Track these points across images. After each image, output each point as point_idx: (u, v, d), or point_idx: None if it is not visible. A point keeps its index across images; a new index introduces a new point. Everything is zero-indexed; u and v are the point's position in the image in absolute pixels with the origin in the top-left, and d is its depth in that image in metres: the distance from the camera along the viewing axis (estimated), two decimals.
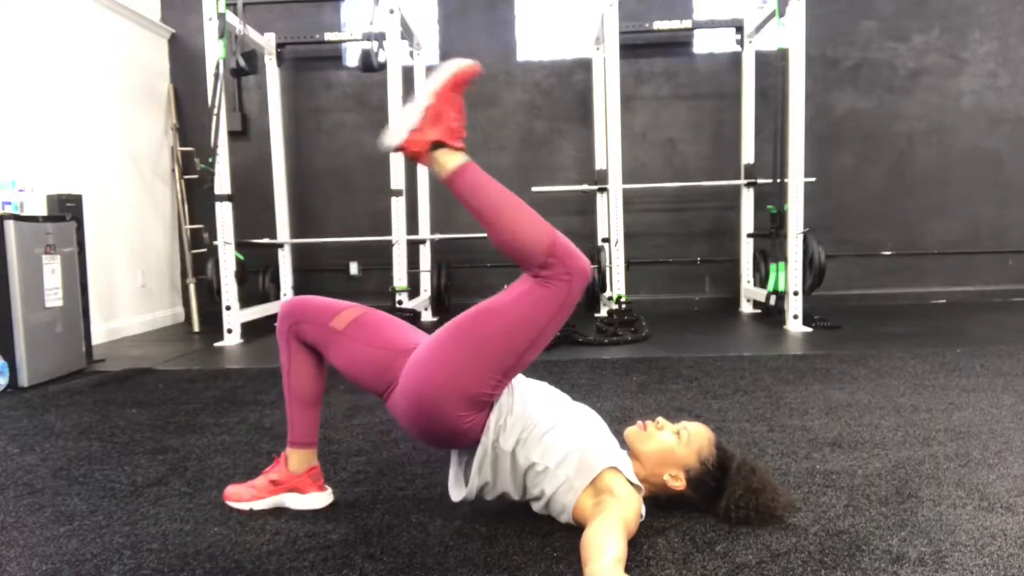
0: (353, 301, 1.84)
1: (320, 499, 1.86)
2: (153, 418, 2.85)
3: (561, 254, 1.60)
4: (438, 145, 1.67)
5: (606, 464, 1.60)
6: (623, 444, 1.75)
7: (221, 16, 4.63)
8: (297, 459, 1.85)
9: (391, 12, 4.84)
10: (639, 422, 1.76)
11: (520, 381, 1.77)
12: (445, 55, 6.21)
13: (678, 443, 1.69)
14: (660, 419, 1.75)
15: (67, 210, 3.93)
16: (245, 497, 1.86)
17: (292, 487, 1.85)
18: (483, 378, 1.59)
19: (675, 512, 1.73)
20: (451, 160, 1.70)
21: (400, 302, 4.94)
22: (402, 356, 1.67)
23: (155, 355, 4.42)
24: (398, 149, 1.67)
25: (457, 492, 1.73)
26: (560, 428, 1.64)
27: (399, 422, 1.70)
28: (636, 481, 1.62)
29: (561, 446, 1.62)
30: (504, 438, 1.63)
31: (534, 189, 6.00)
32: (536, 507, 1.69)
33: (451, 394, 1.58)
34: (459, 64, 1.67)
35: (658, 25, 5.69)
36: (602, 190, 5.75)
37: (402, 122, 1.66)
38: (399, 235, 5.00)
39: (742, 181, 5.82)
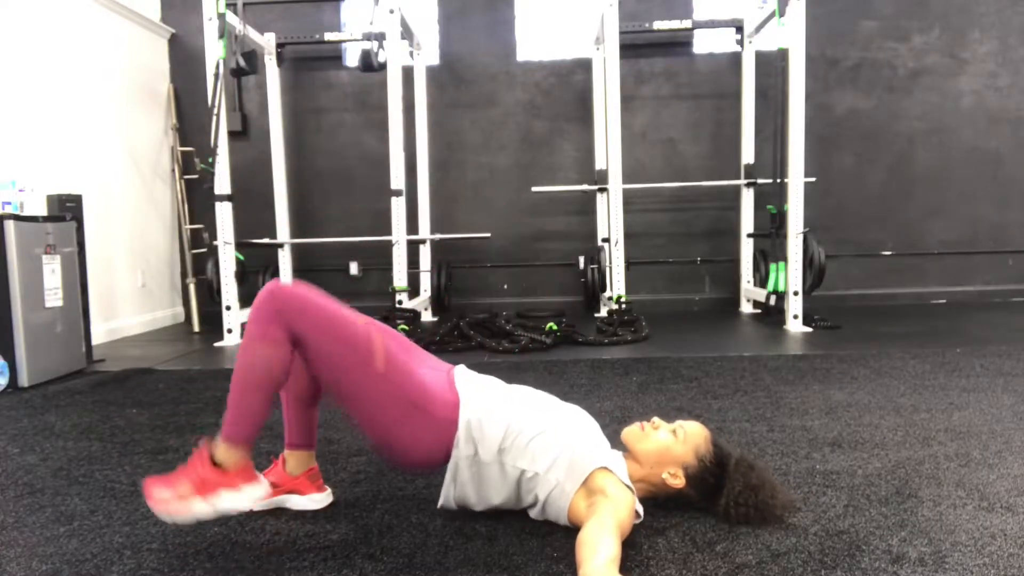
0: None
1: (320, 499, 1.86)
2: (153, 418, 2.85)
3: (272, 312, 1.58)
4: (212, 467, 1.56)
5: (596, 465, 1.60)
6: (618, 445, 1.76)
7: (221, 16, 4.63)
8: (295, 461, 1.84)
9: (391, 12, 4.84)
10: (636, 422, 1.77)
11: (495, 387, 1.77)
12: (445, 55, 6.21)
13: (675, 441, 1.70)
14: (656, 419, 1.76)
15: (67, 210, 3.93)
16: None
17: (291, 488, 1.84)
18: (402, 415, 1.62)
19: (675, 512, 1.73)
20: (227, 455, 1.57)
21: (400, 302, 4.94)
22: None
23: (155, 355, 4.42)
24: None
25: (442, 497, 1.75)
26: (547, 433, 1.64)
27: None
28: (628, 482, 1.62)
29: (549, 450, 1.62)
30: (483, 449, 1.64)
31: (534, 189, 6.01)
32: (533, 513, 1.69)
33: (393, 438, 1.64)
34: None
35: (658, 25, 5.69)
36: (602, 190, 5.75)
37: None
38: (399, 235, 5.00)
39: (742, 181, 5.82)
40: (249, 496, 1.59)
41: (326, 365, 1.63)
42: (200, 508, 1.54)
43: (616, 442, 1.76)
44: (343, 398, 1.66)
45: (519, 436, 1.63)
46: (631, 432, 1.74)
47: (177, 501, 1.54)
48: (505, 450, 1.63)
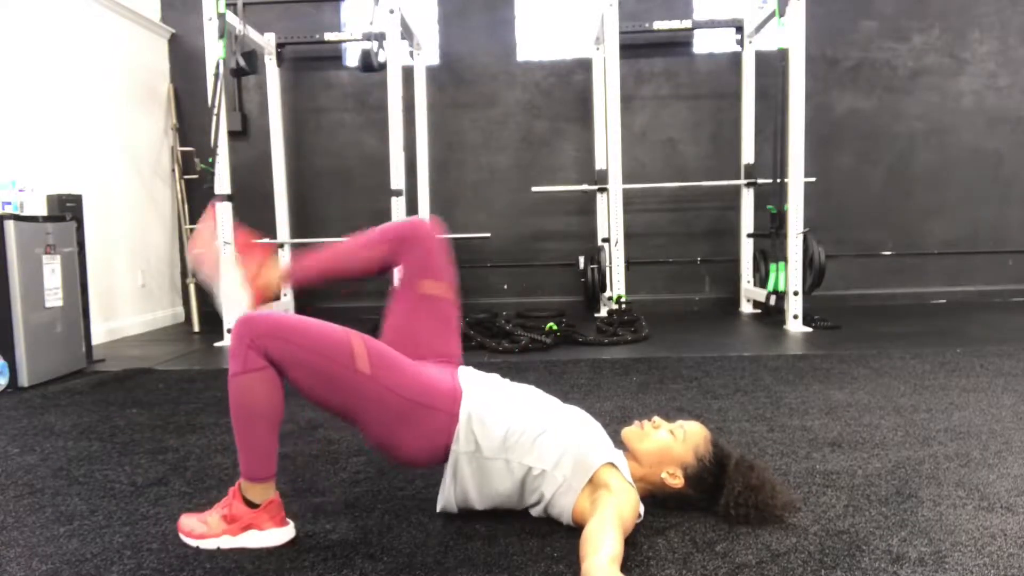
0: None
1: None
2: (153, 418, 2.85)
3: (247, 347, 1.58)
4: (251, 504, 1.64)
5: (603, 460, 1.60)
6: (620, 444, 1.76)
7: (221, 16, 4.63)
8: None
9: (391, 12, 4.84)
10: (636, 422, 1.77)
11: (497, 384, 1.77)
12: (445, 55, 6.21)
13: (675, 441, 1.70)
14: (656, 418, 1.76)
15: (67, 210, 3.93)
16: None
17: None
18: (398, 412, 1.62)
19: (675, 512, 1.73)
20: (254, 492, 1.64)
21: None
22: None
23: (155, 355, 4.42)
24: None
25: (440, 501, 1.74)
26: (552, 431, 1.64)
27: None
28: (631, 480, 1.62)
29: (555, 447, 1.62)
30: (486, 445, 1.63)
31: (534, 189, 6.01)
32: (535, 512, 1.69)
33: (393, 437, 1.63)
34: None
35: (658, 25, 5.69)
36: (602, 190, 5.75)
37: None
38: None
39: (742, 181, 5.82)
40: (273, 538, 1.64)
41: (314, 381, 1.59)
42: (226, 544, 1.63)
43: (617, 442, 1.76)
44: (342, 411, 1.65)
45: (524, 433, 1.63)
46: (631, 431, 1.74)
47: (207, 538, 1.64)
48: (510, 447, 1.63)
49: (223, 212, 4.76)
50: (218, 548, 1.62)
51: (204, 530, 1.65)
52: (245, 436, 1.61)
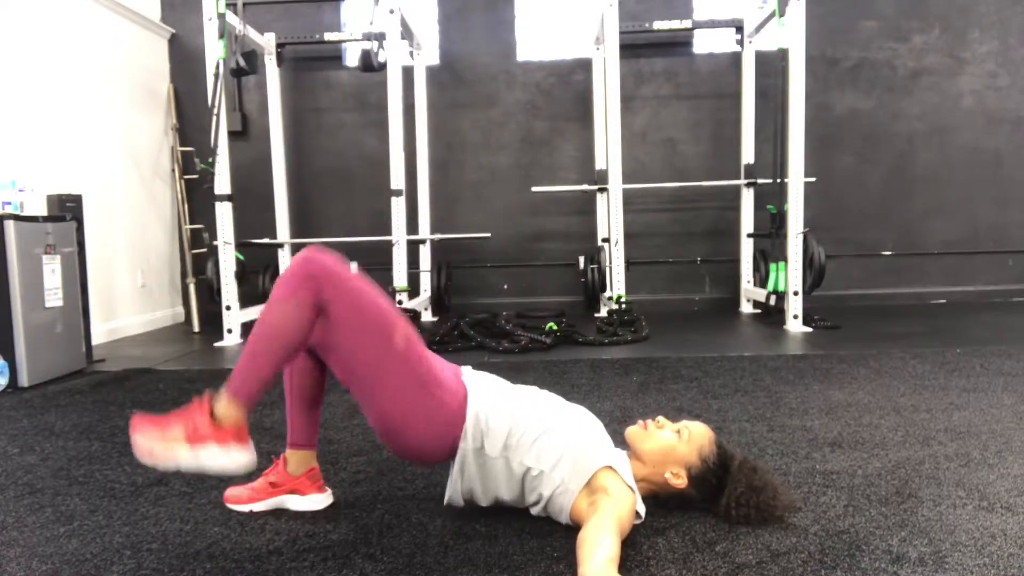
0: None
1: (320, 500, 1.86)
2: None
3: (304, 277, 1.59)
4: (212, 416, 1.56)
5: (601, 464, 1.60)
6: (622, 444, 1.75)
7: (221, 16, 4.63)
8: (296, 461, 1.84)
9: (391, 12, 4.84)
10: (640, 421, 1.76)
11: (499, 386, 1.78)
12: (445, 55, 6.21)
13: (679, 441, 1.69)
14: (661, 418, 1.76)
15: (67, 210, 3.93)
16: (244, 499, 1.85)
17: (291, 489, 1.84)
18: (415, 397, 1.62)
19: (675, 512, 1.73)
20: (227, 410, 1.56)
21: (400, 302, 4.94)
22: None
23: (155, 355, 4.42)
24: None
25: (447, 495, 1.75)
26: (553, 431, 1.64)
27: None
28: (631, 482, 1.62)
29: (555, 448, 1.62)
30: (489, 444, 1.64)
31: (534, 189, 6.01)
32: (535, 511, 1.70)
33: (405, 420, 1.63)
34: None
35: (658, 25, 5.69)
36: (602, 190, 5.75)
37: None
38: (399, 235, 5.00)
39: (742, 181, 5.82)
40: (235, 459, 1.55)
41: (346, 337, 1.61)
42: (184, 457, 1.51)
43: (620, 442, 1.76)
44: (360, 379, 1.64)
45: (524, 434, 1.64)
46: (634, 431, 1.74)
47: (163, 443, 1.50)
48: (511, 447, 1.63)
49: (223, 212, 4.76)
50: (175, 470, 1.53)
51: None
52: (252, 355, 1.58)
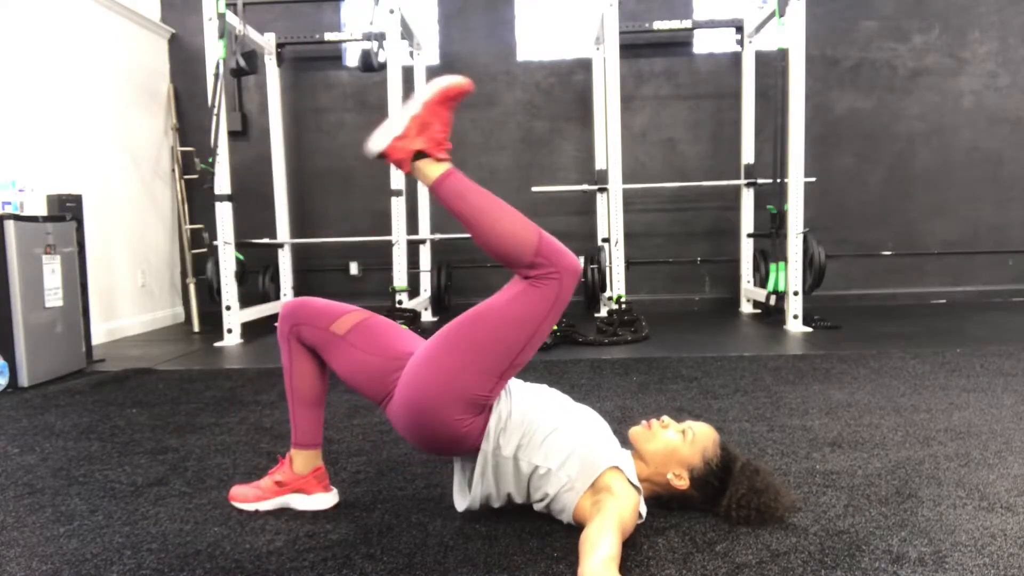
0: (353, 301, 1.84)
1: (326, 499, 1.86)
2: (153, 418, 2.85)
3: (548, 253, 1.63)
4: (421, 155, 1.67)
5: (608, 463, 1.60)
6: (625, 443, 1.75)
7: (221, 16, 4.63)
8: (302, 460, 1.85)
9: (391, 12, 4.84)
10: (644, 421, 1.76)
11: (518, 385, 1.77)
12: (445, 55, 6.21)
13: (683, 442, 1.69)
14: (665, 418, 1.75)
15: (67, 210, 3.93)
16: (251, 498, 1.86)
17: (297, 488, 1.85)
18: (480, 381, 1.59)
19: (675, 512, 1.73)
20: (434, 170, 1.68)
21: (400, 302, 4.94)
22: (400, 364, 1.67)
23: (155, 355, 4.42)
24: (381, 155, 1.69)
25: (461, 501, 1.74)
26: (561, 430, 1.64)
27: (398, 430, 1.69)
28: (636, 482, 1.62)
29: (562, 448, 1.62)
30: (505, 443, 1.63)
31: (534, 189, 6.01)
32: (538, 507, 1.69)
33: (448, 398, 1.57)
34: (451, 80, 1.67)
35: (658, 25, 5.69)
36: (602, 190, 5.75)
37: (388, 129, 1.69)
38: (399, 235, 5.00)
39: (742, 181, 5.82)
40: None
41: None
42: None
43: (622, 442, 1.76)
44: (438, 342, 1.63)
45: (535, 433, 1.64)
46: (638, 432, 1.74)
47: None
48: (522, 447, 1.63)
49: (223, 212, 4.76)
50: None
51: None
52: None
